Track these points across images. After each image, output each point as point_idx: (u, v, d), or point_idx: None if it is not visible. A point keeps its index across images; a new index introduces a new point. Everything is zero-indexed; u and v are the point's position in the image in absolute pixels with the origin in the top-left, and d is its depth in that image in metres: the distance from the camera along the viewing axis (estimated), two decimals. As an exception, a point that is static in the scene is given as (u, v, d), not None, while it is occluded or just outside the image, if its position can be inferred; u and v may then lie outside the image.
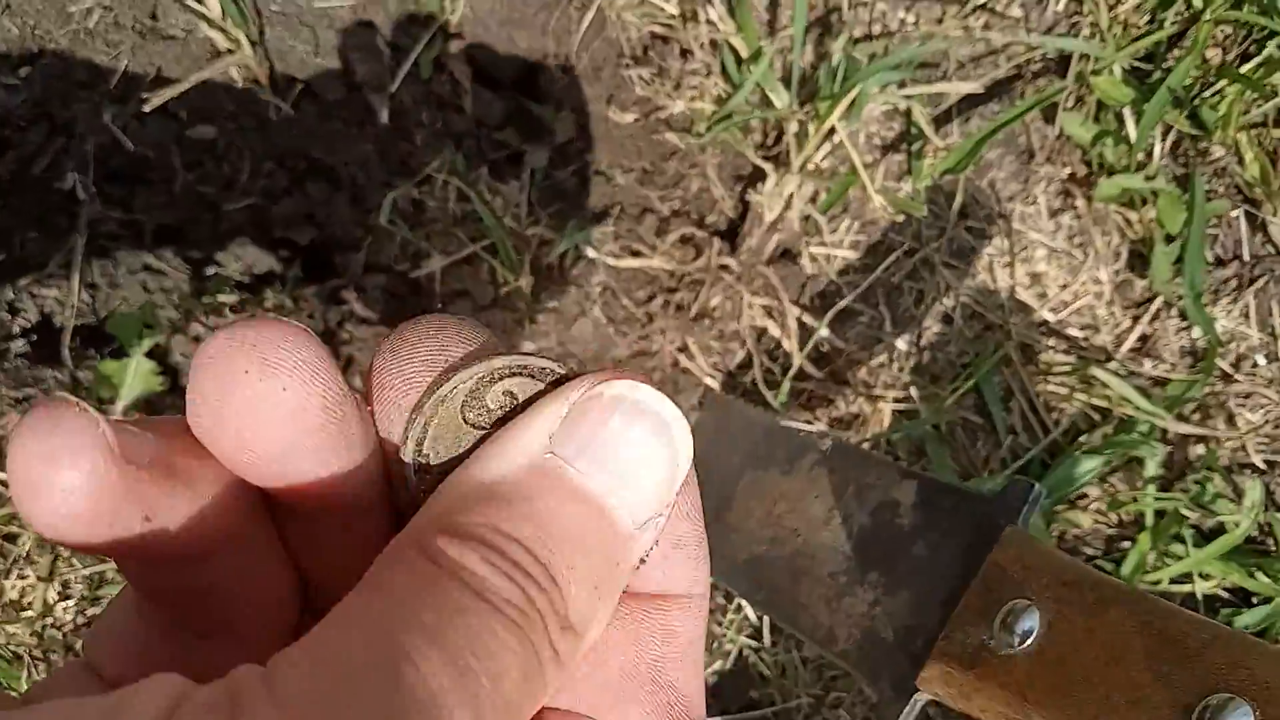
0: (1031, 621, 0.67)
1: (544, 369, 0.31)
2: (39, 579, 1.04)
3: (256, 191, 1.08)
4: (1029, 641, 0.66)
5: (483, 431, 0.31)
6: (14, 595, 1.04)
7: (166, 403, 1.09)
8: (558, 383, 0.30)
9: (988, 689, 0.67)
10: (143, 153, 1.07)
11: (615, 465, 0.27)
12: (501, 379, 0.31)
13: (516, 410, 0.30)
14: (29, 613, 1.04)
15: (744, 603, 1.06)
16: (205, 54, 1.06)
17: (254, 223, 1.09)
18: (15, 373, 1.06)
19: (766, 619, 1.05)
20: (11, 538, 1.05)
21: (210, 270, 1.09)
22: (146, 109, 1.04)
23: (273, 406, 0.26)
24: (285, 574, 0.31)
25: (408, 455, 0.30)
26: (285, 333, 0.26)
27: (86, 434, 0.25)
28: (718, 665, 1.06)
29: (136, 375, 1.03)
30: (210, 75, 1.04)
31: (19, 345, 1.06)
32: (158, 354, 1.09)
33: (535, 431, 0.28)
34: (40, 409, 0.25)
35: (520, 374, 0.31)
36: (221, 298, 1.08)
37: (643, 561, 0.29)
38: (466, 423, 0.30)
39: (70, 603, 1.06)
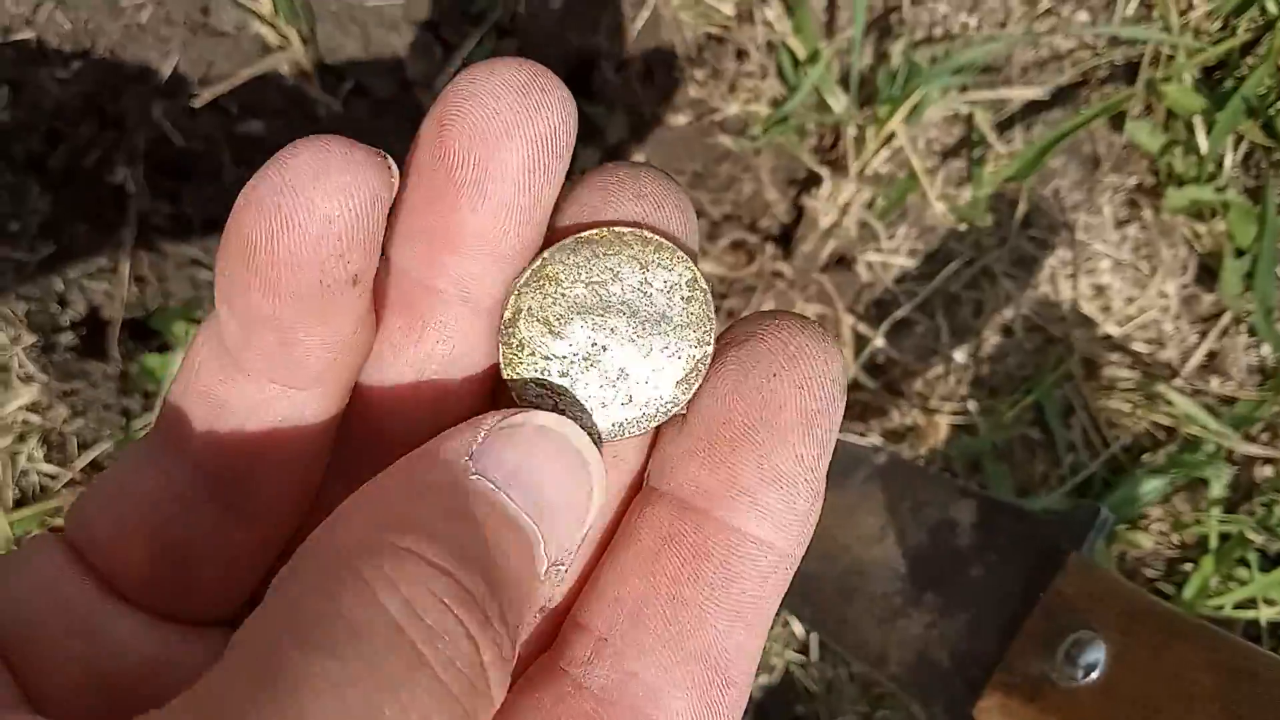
0: (1096, 654, 0.64)
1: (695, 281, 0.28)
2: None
3: (305, 188, 1.07)
4: (1093, 675, 0.64)
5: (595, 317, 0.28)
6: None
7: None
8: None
9: (1049, 722, 0.65)
10: (192, 147, 1.07)
11: (539, 498, 0.25)
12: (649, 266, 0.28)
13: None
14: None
15: (790, 617, 1.03)
16: (256, 50, 1.05)
17: (302, 220, 1.08)
18: (63, 366, 1.06)
19: (814, 635, 1.03)
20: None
21: (257, 267, 1.08)
22: (196, 104, 1.04)
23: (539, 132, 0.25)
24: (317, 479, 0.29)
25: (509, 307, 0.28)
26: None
27: (375, 164, 0.24)
28: (763, 680, 1.04)
29: (182, 372, 1.02)
30: (260, 71, 1.04)
31: (68, 338, 1.06)
32: (203, 350, 1.08)
33: (457, 448, 0.25)
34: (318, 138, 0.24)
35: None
36: (268, 295, 1.07)
37: (542, 611, 0.26)
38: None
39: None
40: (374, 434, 0.29)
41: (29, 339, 1.05)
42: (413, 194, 0.27)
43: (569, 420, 0.26)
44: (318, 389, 0.27)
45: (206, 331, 0.27)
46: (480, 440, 0.25)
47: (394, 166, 0.25)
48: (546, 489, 0.25)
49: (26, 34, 1.05)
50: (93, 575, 0.27)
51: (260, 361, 0.26)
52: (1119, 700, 0.62)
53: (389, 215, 0.26)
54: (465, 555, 0.22)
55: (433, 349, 0.28)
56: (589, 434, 0.27)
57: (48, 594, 0.26)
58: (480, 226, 0.26)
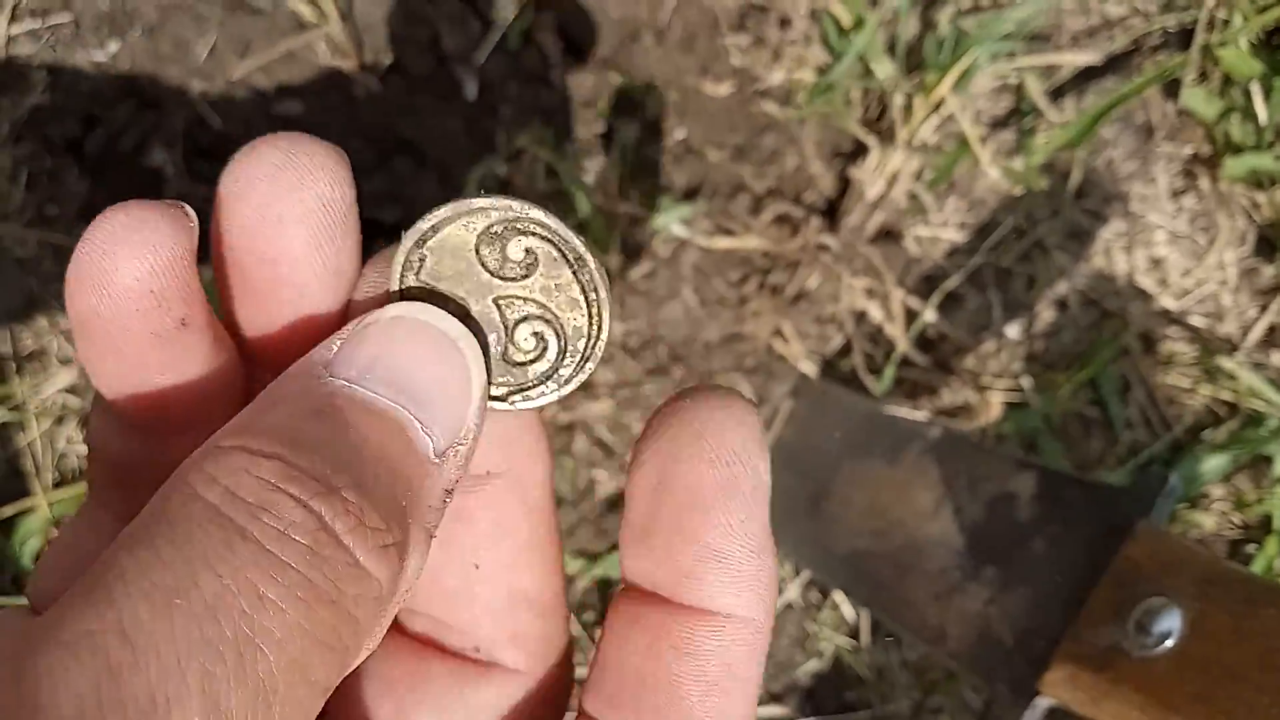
0: (1171, 621, 0.61)
1: (573, 248, 0.28)
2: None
3: (342, 168, 1.06)
4: (1168, 643, 0.61)
5: (493, 278, 0.28)
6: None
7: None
8: (579, 261, 0.28)
9: (1121, 693, 0.62)
10: (230, 129, 1.06)
11: (406, 384, 0.25)
12: (530, 234, 0.28)
13: (531, 272, 0.28)
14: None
15: (840, 600, 1.01)
16: (293, 28, 1.04)
17: (339, 200, 1.06)
18: (100, 350, 1.05)
19: (864, 617, 1.00)
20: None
21: (294, 248, 1.07)
22: (234, 78, 1.03)
23: (300, 201, 0.26)
24: None
25: (394, 278, 0.28)
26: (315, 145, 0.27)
27: (168, 222, 0.25)
28: (812, 665, 1.01)
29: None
30: (296, 48, 1.02)
31: (105, 322, 1.05)
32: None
33: (312, 360, 0.26)
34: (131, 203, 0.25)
35: (550, 240, 0.28)
36: (305, 276, 1.06)
37: (449, 494, 0.26)
38: (479, 258, 0.28)
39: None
40: None
41: (67, 323, 1.04)
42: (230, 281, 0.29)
43: (425, 305, 0.27)
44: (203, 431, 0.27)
45: (95, 391, 0.29)
46: (336, 349, 0.26)
47: (190, 214, 0.26)
48: (413, 373, 0.25)
49: (63, 17, 1.04)
50: None
51: (137, 417, 0.27)
52: (1198, 668, 0.59)
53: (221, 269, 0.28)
54: (299, 440, 0.23)
55: None
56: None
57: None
58: (299, 308, 0.28)
